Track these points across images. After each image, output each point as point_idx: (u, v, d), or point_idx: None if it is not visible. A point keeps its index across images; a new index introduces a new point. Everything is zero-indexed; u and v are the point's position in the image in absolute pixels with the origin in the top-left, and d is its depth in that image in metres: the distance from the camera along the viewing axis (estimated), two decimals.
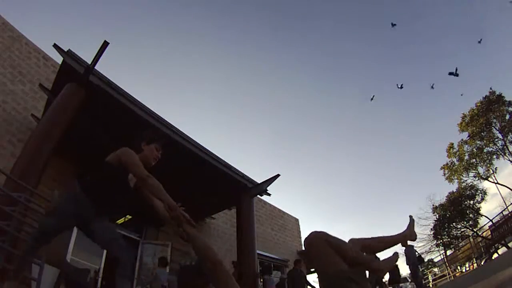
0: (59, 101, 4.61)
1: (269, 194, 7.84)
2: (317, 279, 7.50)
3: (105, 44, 4.54)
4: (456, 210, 15.99)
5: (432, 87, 21.08)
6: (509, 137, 16.68)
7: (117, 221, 7.72)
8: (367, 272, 1.46)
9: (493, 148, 17.15)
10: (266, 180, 7.43)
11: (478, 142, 17.29)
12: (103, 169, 1.92)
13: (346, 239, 1.50)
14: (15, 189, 3.49)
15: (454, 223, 16.37)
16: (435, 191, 43.28)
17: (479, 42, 19.55)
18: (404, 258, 8.70)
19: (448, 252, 17.29)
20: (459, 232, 16.59)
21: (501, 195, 17.81)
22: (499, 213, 14.68)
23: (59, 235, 1.96)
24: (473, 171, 17.56)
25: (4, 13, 7.29)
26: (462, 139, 18.05)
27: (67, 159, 6.30)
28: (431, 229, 17.61)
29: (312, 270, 10.07)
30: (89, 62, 4.66)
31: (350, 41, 51.94)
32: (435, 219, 17.32)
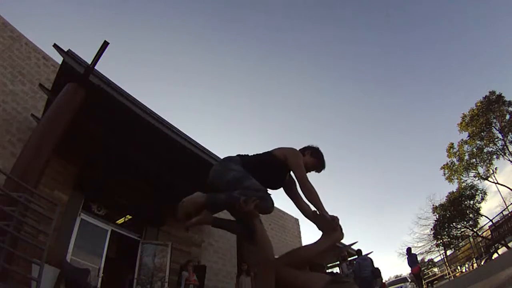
0: (59, 101, 4.61)
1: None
2: None
3: (105, 44, 4.54)
4: (456, 210, 15.96)
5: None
6: (509, 137, 16.64)
7: (117, 221, 7.72)
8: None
9: (493, 148, 17.13)
10: None
11: (478, 142, 17.26)
12: (265, 156, 1.90)
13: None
14: (15, 189, 3.49)
15: (454, 223, 16.34)
16: (435, 191, 43.18)
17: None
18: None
19: (448, 252, 17.29)
20: (459, 232, 16.57)
21: (501, 195, 17.82)
22: (499, 213, 14.68)
23: None
24: (473, 171, 17.55)
25: (4, 13, 7.30)
26: (462, 139, 18.02)
27: (67, 159, 6.29)
28: (431, 229, 17.61)
29: None
30: (89, 62, 4.66)
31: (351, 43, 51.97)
32: (435, 219, 17.31)
